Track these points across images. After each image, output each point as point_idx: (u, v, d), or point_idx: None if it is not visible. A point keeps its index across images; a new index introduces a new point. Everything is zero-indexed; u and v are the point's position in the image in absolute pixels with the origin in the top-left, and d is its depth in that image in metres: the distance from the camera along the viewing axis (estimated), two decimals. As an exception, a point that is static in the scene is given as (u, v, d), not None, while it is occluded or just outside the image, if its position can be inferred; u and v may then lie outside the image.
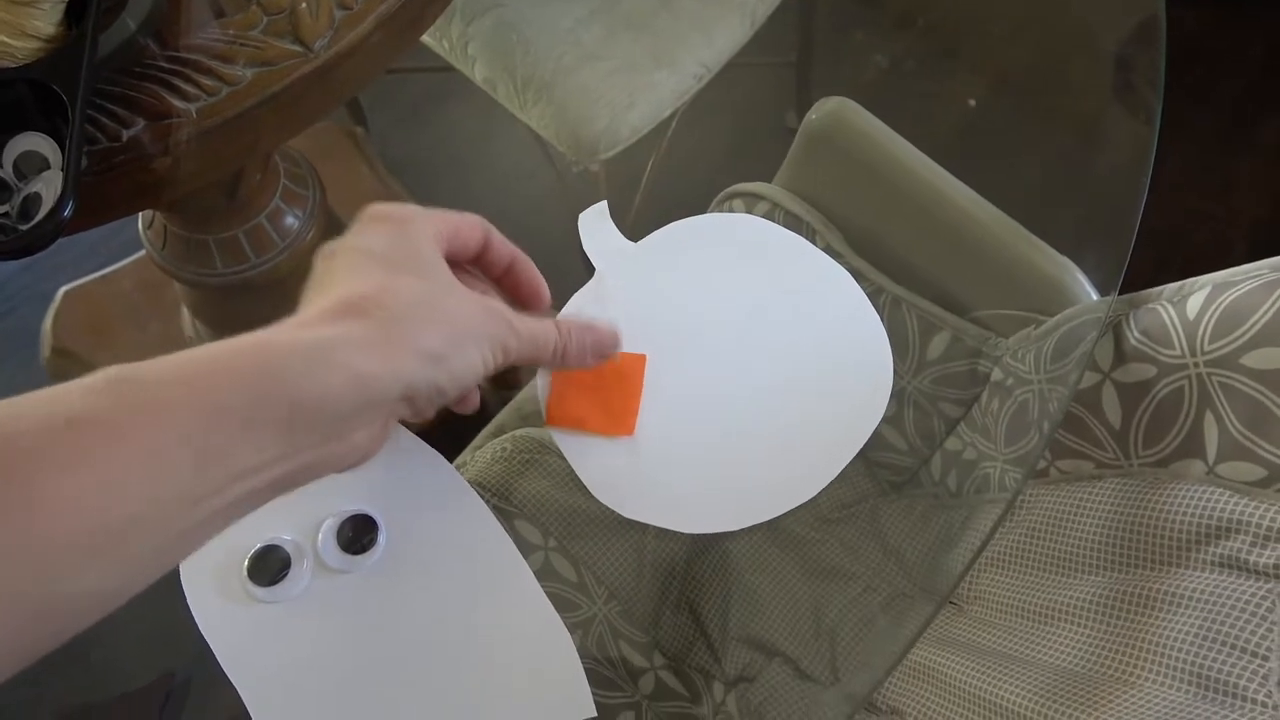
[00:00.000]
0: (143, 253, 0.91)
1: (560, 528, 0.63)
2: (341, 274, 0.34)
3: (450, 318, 0.34)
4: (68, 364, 1.13)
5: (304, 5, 0.58)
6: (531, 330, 0.38)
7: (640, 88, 1.05)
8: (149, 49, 0.58)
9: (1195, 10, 1.46)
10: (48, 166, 0.51)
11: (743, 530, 0.65)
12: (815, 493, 0.44)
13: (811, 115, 0.63)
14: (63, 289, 1.14)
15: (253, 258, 0.86)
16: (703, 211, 0.74)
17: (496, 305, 0.37)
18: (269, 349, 0.30)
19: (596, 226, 0.50)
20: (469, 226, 0.39)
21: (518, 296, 0.43)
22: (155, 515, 0.27)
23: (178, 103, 0.55)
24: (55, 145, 0.51)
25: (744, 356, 0.47)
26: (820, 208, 0.64)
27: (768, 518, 0.44)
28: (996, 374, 0.59)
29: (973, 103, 1.43)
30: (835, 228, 0.63)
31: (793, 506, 0.44)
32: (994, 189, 0.62)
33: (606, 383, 0.47)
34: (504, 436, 0.67)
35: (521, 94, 1.05)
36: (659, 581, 0.63)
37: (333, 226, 0.97)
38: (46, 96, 0.50)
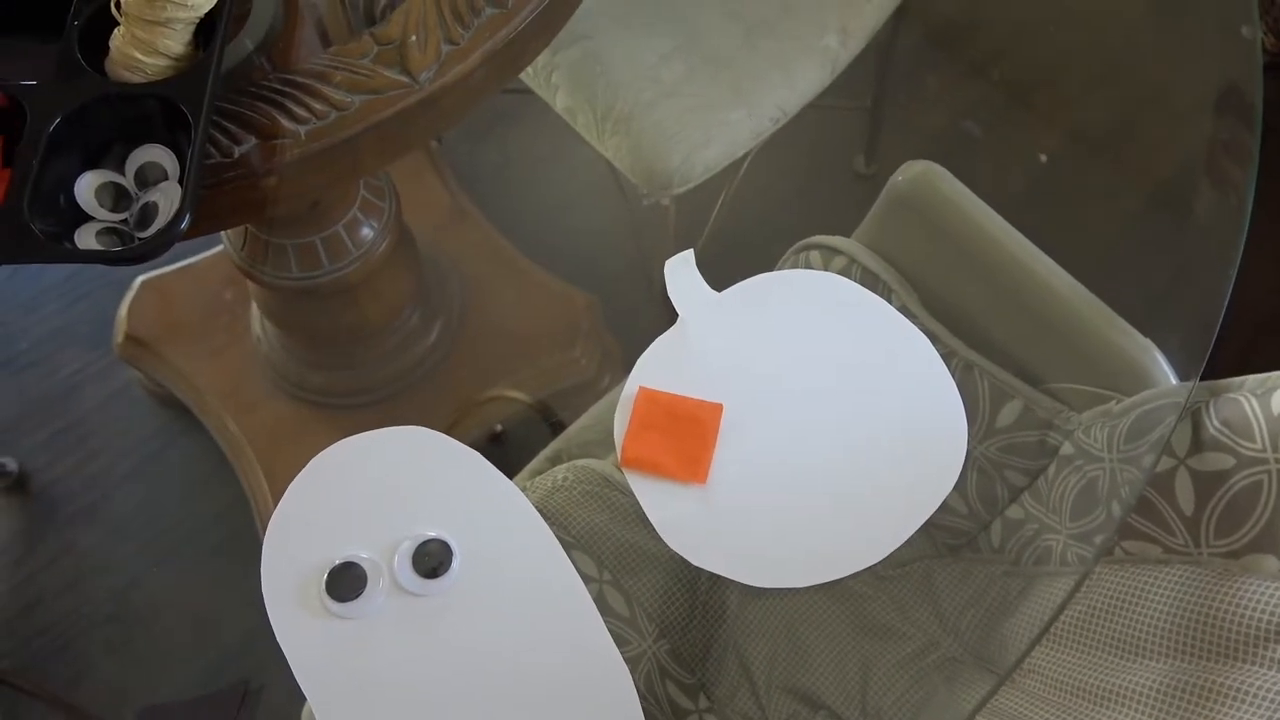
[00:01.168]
0: (220, 249, 0.94)
1: (615, 562, 0.64)
2: None
3: None
4: (139, 351, 1.17)
5: (414, 38, 0.61)
6: None
7: (717, 126, 1.06)
8: (263, 69, 0.61)
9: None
10: (166, 177, 0.53)
11: (796, 580, 0.65)
12: (881, 558, 0.45)
13: (898, 177, 0.64)
14: (140, 278, 1.17)
15: (326, 264, 0.89)
16: (769, 254, 0.75)
17: None
18: None
19: (682, 274, 0.51)
20: None
21: None
22: None
23: (287, 124, 0.58)
24: (175, 158, 0.53)
25: (820, 415, 0.48)
26: (898, 267, 0.64)
27: (831, 579, 0.45)
28: (1066, 448, 0.59)
29: (1044, 158, 1.43)
30: (911, 288, 0.64)
31: (856, 570, 0.45)
32: (1068, 250, 0.62)
33: (683, 429, 0.48)
34: (563, 466, 0.69)
35: (600, 124, 1.07)
36: (709, 624, 0.63)
37: (405, 238, 1.00)
38: (171, 111, 0.53)
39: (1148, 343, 0.56)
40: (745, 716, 0.62)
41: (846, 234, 0.71)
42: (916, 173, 0.63)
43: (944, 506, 0.66)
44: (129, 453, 1.25)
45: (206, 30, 0.55)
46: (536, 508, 0.65)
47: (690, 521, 0.46)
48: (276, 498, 1.13)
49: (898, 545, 0.45)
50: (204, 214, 0.58)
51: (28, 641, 1.14)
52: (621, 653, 0.61)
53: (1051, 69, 1.41)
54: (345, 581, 0.44)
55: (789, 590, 0.64)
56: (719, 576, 0.65)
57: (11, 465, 1.12)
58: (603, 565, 0.63)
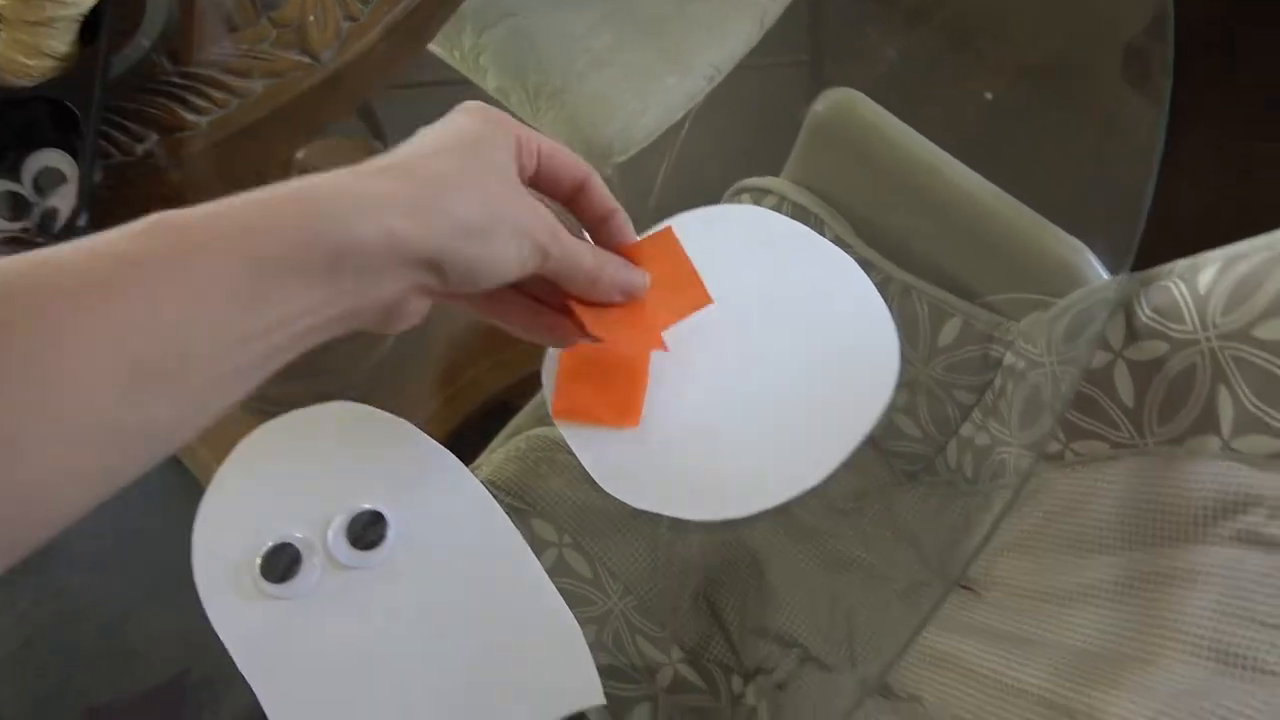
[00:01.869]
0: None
1: (575, 524, 0.63)
2: (405, 145, 0.35)
3: (491, 199, 0.34)
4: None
5: (312, 18, 0.60)
6: (574, 247, 0.38)
7: (652, 91, 1.05)
8: (162, 66, 0.60)
9: (1215, -4, 1.44)
10: (65, 181, 0.52)
11: (758, 523, 0.65)
12: (823, 477, 0.44)
13: (817, 107, 0.63)
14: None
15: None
16: (715, 210, 0.74)
17: (546, 212, 0.37)
18: (311, 196, 0.31)
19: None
20: (567, 162, 0.39)
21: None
22: (203, 353, 0.28)
23: (190, 116, 0.57)
24: (72, 161, 0.52)
25: (750, 345, 0.47)
26: (828, 199, 0.64)
27: (776, 503, 0.44)
28: (1009, 358, 0.59)
29: (989, 95, 1.41)
30: (843, 218, 0.63)
31: (800, 492, 0.44)
32: (1007, 178, 0.62)
33: (611, 375, 0.47)
34: (519, 436, 0.68)
35: (534, 102, 1.06)
36: (675, 576, 0.63)
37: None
38: (63, 114, 0.52)
39: (1077, 243, 0.56)
40: (720, 663, 0.62)
41: (794, 187, 0.70)
42: (835, 100, 0.62)
43: (898, 434, 0.66)
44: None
45: (93, 29, 0.54)
46: (491, 479, 0.65)
47: (629, 466, 0.46)
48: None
49: (837, 465, 0.44)
50: (112, 215, 0.57)
51: (28, 686, 1.12)
52: (587, 612, 0.61)
53: (989, 12, 1.41)
54: (280, 562, 0.43)
55: (749, 530, 0.64)
56: (681, 527, 0.64)
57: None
58: (562, 529, 0.63)
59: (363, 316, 0.33)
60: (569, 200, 0.41)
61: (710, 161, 1.29)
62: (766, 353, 0.47)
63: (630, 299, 0.43)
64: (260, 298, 0.29)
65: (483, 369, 1.19)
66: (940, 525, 0.62)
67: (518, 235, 0.35)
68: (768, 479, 0.44)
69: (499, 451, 0.68)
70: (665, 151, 1.15)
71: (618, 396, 0.47)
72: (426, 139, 0.35)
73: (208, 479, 1.12)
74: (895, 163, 0.61)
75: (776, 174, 0.71)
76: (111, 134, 0.56)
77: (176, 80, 0.58)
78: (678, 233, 0.47)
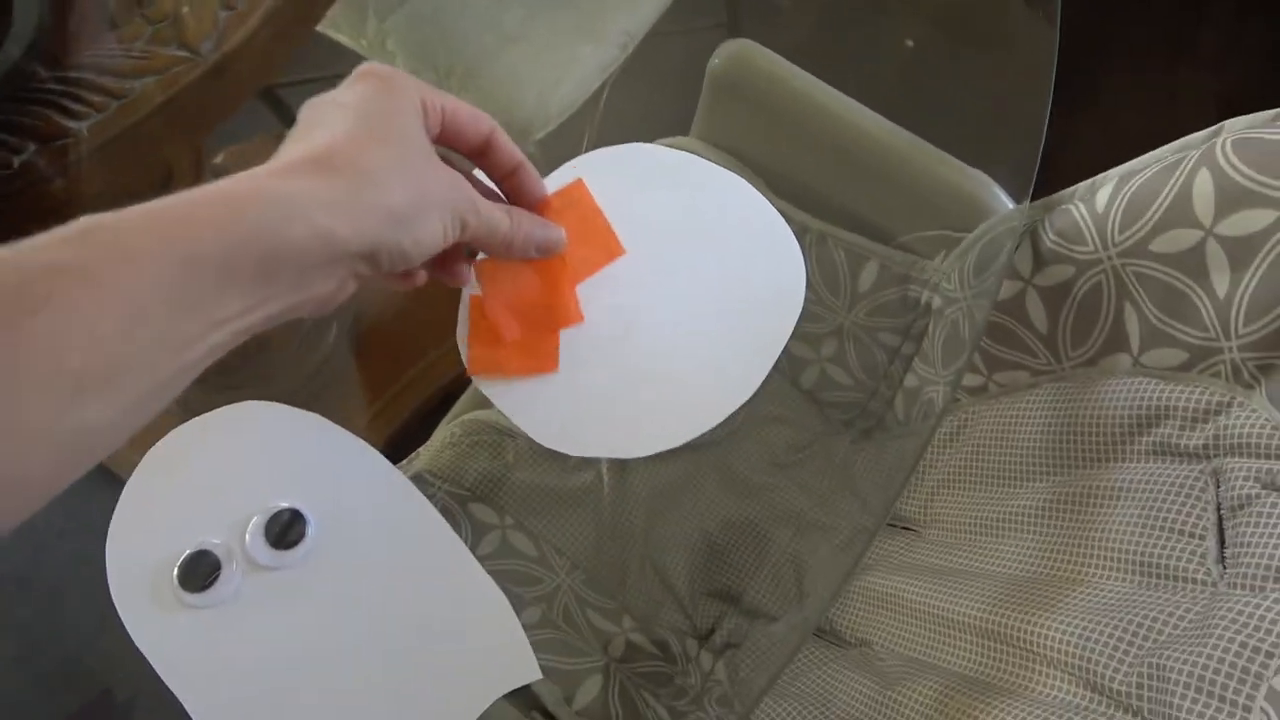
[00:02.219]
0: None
1: (515, 505, 0.62)
2: (315, 126, 0.34)
3: (417, 182, 0.34)
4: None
5: (186, 10, 0.58)
6: (490, 214, 0.39)
7: (566, 64, 1.04)
8: (36, 73, 0.57)
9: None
10: (-62, 201, 0.50)
11: (700, 486, 0.65)
12: (746, 398, 0.44)
13: (714, 60, 0.62)
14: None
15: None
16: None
17: (462, 181, 0.37)
18: (241, 198, 0.30)
19: (483, 178, 0.49)
20: (471, 117, 0.39)
21: (519, 203, 0.43)
22: (143, 361, 0.29)
23: (68, 123, 0.54)
24: (-57, 178, 0.50)
25: (659, 279, 0.47)
26: (735, 154, 0.63)
27: (702, 430, 0.43)
28: (927, 296, 0.59)
29: (910, 43, 1.42)
30: (752, 172, 0.63)
31: (725, 416, 0.44)
32: (916, 119, 0.61)
33: (522, 325, 0.46)
34: (454, 423, 0.67)
35: (446, 83, 1.04)
36: (620, 547, 0.62)
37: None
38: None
39: (979, 174, 0.56)
40: (673, 628, 0.62)
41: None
42: (731, 52, 0.61)
43: (831, 384, 0.66)
44: (50, 516, 1.20)
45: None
46: (428, 468, 0.64)
47: (557, 415, 0.45)
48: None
49: (757, 386, 0.44)
50: (-4, 232, 0.55)
51: (0, 721, 1.10)
52: (535, 590, 0.60)
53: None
54: (198, 570, 0.42)
55: (690, 492, 0.64)
56: (622, 499, 0.64)
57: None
58: (503, 511, 0.62)
59: (300, 309, 0.33)
60: (475, 155, 0.41)
61: (632, 131, 1.28)
62: (678, 286, 0.47)
63: (547, 255, 0.44)
64: (197, 304, 0.29)
65: (428, 363, 1.17)
66: (878, 469, 0.62)
67: (442, 213, 0.36)
68: (692, 410, 0.44)
69: (435, 439, 0.67)
70: (586, 124, 1.14)
71: (532, 345, 0.46)
72: (337, 119, 0.34)
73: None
74: (797, 110, 0.61)
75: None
76: (-14, 148, 0.53)
77: (53, 86, 0.56)
78: (571, 174, 0.47)
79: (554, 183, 0.48)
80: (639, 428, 0.44)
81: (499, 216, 0.39)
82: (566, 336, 0.45)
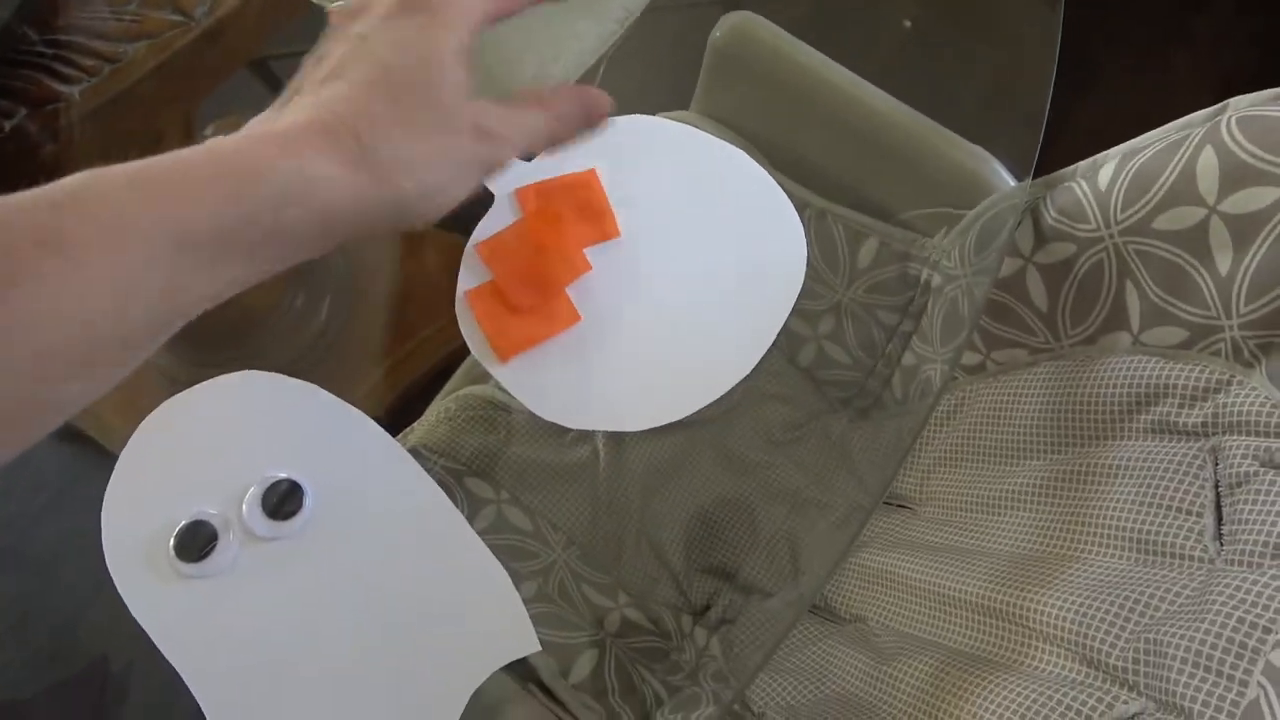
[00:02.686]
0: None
1: (511, 480, 0.62)
2: (332, 76, 0.32)
3: (438, 154, 0.32)
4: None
5: (180, -26, 0.57)
6: (520, 132, 0.35)
7: (563, 38, 1.02)
8: (26, 36, 0.56)
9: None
10: (-73, 165, 0.49)
11: (696, 463, 0.65)
12: (744, 375, 0.43)
13: (716, 33, 0.61)
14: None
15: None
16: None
17: (487, 122, 0.33)
18: (241, 172, 0.29)
19: None
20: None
21: None
22: (121, 340, 0.28)
23: (60, 86, 0.54)
24: (-68, 142, 0.49)
25: (661, 253, 0.47)
26: (735, 128, 0.63)
27: (700, 405, 0.43)
28: (926, 274, 0.59)
29: (908, 23, 1.41)
30: (753, 146, 0.62)
31: (724, 392, 0.43)
32: (918, 96, 0.61)
33: (529, 292, 0.46)
34: (449, 397, 0.67)
35: (441, 56, 1.03)
36: (616, 523, 0.62)
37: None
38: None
39: (981, 151, 0.56)
40: (668, 604, 0.62)
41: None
42: (732, 25, 0.61)
43: (828, 361, 0.66)
44: (39, 491, 1.19)
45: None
46: (423, 442, 0.64)
47: (559, 388, 0.45)
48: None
49: (756, 362, 0.44)
50: (-15, 199, 0.54)
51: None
52: (531, 565, 0.60)
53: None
54: (194, 540, 0.42)
55: (687, 469, 0.64)
56: (618, 473, 0.64)
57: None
58: (499, 485, 0.62)
59: (283, 267, 0.32)
60: None
61: (630, 105, 1.27)
62: (678, 259, 0.47)
63: (599, 121, 0.39)
64: (187, 284, 0.29)
65: (424, 336, 1.17)
66: (875, 447, 0.62)
67: (464, 177, 0.33)
68: (698, 381, 0.44)
69: (430, 414, 0.66)
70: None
71: (546, 310, 0.45)
72: (358, 71, 0.32)
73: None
74: (799, 84, 0.60)
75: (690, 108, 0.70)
76: (-26, 112, 0.52)
77: (43, 50, 0.55)
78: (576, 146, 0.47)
79: (560, 162, 0.48)
80: (637, 402, 0.44)
81: (531, 129, 0.35)
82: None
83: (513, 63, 1.05)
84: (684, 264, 0.46)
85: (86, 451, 1.13)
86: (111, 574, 0.42)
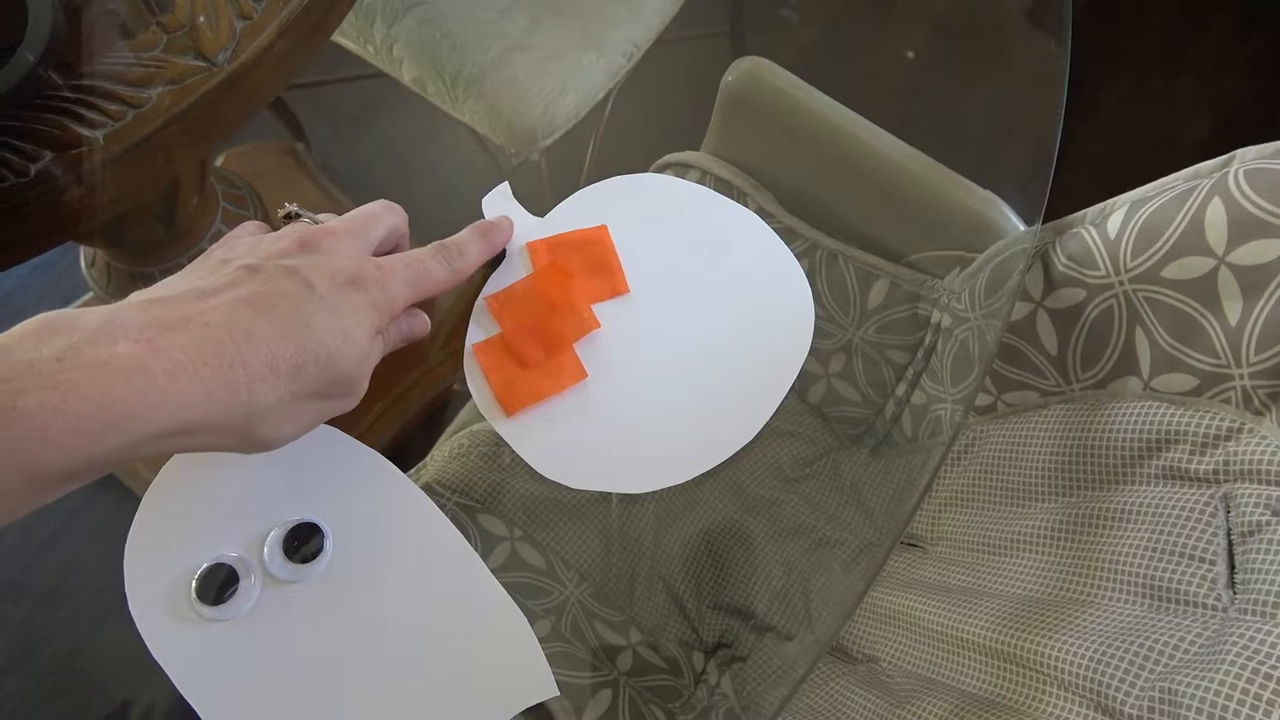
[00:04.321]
0: (91, 294, 0.89)
1: (524, 517, 0.63)
2: (230, 304, 0.34)
3: (312, 418, 0.37)
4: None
5: (203, 19, 0.58)
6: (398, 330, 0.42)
7: (571, 72, 1.04)
8: (51, 80, 0.57)
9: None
10: (-46, 209, 0.50)
11: (707, 500, 0.65)
12: (753, 435, 0.44)
13: (728, 77, 0.63)
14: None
15: (198, 284, 0.85)
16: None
17: (366, 322, 0.37)
18: (111, 396, 0.29)
19: (500, 206, 0.49)
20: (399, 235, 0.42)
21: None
22: None
23: (84, 131, 0.54)
24: (-42, 186, 0.50)
25: (668, 313, 0.47)
26: (748, 169, 0.64)
27: (711, 466, 0.44)
28: (936, 315, 0.60)
29: (910, 55, 1.43)
30: (764, 188, 0.63)
31: (734, 451, 0.44)
32: (927, 138, 0.62)
33: (537, 347, 0.46)
34: (461, 433, 0.67)
35: (452, 91, 1.05)
36: (628, 560, 0.63)
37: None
38: (-57, 138, 0.49)
39: (990, 195, 0.56)
40: (680, 641, 0.62)
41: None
42: (744, 70, 0.62)
43: (838, 399, 0.67)
44: (44, 519, 1.20)
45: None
46: (436, 479, 0.64)
47: (565, 450, 0.45)
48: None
49: (765, 421, 0.44)
50: (11, 238, 0.55)
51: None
52: (544, 603, 0.60)
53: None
54: (215, 583, 0.42)
55: (699, 508, 0.64)
56: (630, 510, 0.64)
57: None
58: (512, 523, 0.62)
59: None
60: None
61: (637, 139, 1.29)
62: (685, 318, 0.47)
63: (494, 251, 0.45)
64: (40, 499, 0.30)
65: (422, 372, 1.17)
66: (885, 485, 0.62)
67: (347, 393, 0.38)
68: (702, 443, 0.44)
69: (442, 450, 0.67)
70: (591, 132, 1.15)
71: (553, 366, 0.46)
72: (271, 323, 0.33)
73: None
74: (810, 128, 0.61)
75: (700, 148, 0.71)
76: (2, 156, 0.53)
77: (68, 95, 0.56)
78: (581, 205, 0.47)
79: (565, 210, 0.49)
80: (643, 463, 0.44)
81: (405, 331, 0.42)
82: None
83: (520, 95, 1.07)
84: (691, 324, 0.46)
85: (91, 485, 1.14)
86: (132, 614, 0.42)
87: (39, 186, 0.53)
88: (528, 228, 0.48)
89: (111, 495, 1.12)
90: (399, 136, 1.43)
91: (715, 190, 0.66)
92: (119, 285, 0.85)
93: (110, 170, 0.55)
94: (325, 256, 0.37)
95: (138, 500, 1.11)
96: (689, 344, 0.46)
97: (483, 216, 0.50)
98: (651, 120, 1.34)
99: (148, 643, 0.42)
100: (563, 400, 0.45)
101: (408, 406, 1.12)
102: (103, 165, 0.54)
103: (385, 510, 0.45)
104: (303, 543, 0.43)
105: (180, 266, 0.91)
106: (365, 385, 0.39)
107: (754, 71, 0.61)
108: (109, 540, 1.17)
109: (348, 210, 0.44)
